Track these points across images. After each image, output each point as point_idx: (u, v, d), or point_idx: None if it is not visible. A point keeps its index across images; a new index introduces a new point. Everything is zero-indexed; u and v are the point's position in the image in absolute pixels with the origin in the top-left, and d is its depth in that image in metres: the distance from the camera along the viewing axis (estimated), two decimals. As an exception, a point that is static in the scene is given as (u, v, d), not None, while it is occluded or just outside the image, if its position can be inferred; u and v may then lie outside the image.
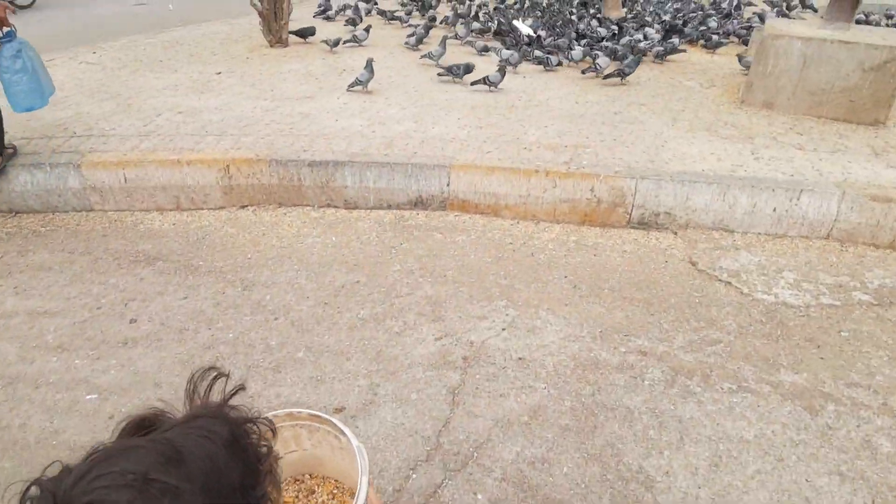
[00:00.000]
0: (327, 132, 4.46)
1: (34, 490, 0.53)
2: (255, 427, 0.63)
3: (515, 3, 9.60)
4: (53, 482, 0.52)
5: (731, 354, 2.75)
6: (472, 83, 5.55)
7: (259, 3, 6.64)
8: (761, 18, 7.98)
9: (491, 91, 5.52)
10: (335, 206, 4.10)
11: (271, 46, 6.99)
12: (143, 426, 0.61)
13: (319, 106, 5.05)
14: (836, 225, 3.72)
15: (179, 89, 5.49)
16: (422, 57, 6.45)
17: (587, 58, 6.39)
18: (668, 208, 3.85)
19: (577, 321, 2.96)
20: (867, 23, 8.20)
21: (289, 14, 6.91)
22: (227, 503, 0.56)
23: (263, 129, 4.50)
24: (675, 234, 3.88)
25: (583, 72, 6.08)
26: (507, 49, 6.46)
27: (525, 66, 6.37)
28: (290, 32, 7.12)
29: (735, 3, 9.22)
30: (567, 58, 6.38)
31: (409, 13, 8.97)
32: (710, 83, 5.96)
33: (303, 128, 4.54)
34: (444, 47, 6.36)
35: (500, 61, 5.94)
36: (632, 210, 3.89)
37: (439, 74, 5.86)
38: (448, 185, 3.98)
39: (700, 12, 8.81)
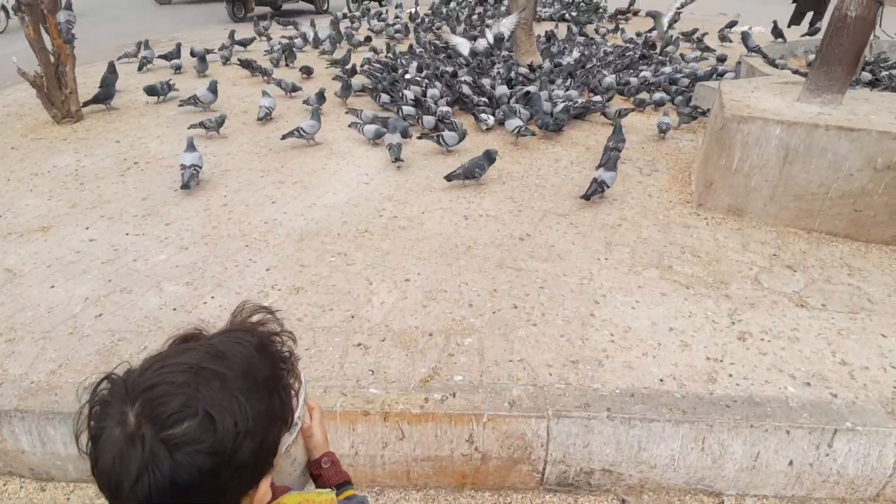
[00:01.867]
0: (33, 323, 2.51)
1: (105, 383, 0.67)
2: (279, 338, 0.78)
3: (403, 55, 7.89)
4: (123, 375, 0.67)
5: None
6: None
7: (28, 72, 4.60)
8: (693, 77, 6.57)
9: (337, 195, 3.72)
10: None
11: (58, 123, 4.96)
12: (187, 340, 0.74)
13: (45, 252, 3.09)
14: (890, 482, 2.12)
15: None
16: (284, 136, 4.57)
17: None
18: (609, 463, 2.14)
19: None
20: (873, 82, 6.02)
21: (75, 81, 4.90)
22: (259, 388, 0.69)
23: None
24: (623, 501, 2.17)
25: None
26: (385, 122, 4.70)
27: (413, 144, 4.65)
28: (85, 103, 5.13)
29: (667, 47, 7.94)
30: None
31: (276, 62, 7.14)
32: (650, 165, 4.42)
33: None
34: (319, 119, 4.58)
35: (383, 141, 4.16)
36: (545, 467, 2.15)
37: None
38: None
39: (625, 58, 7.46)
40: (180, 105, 5.29)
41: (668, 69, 6.79)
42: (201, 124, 4.63)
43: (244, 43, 8.30)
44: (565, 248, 3.22)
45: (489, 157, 3.97)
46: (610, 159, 3.89)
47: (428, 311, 2.64)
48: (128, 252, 3.10)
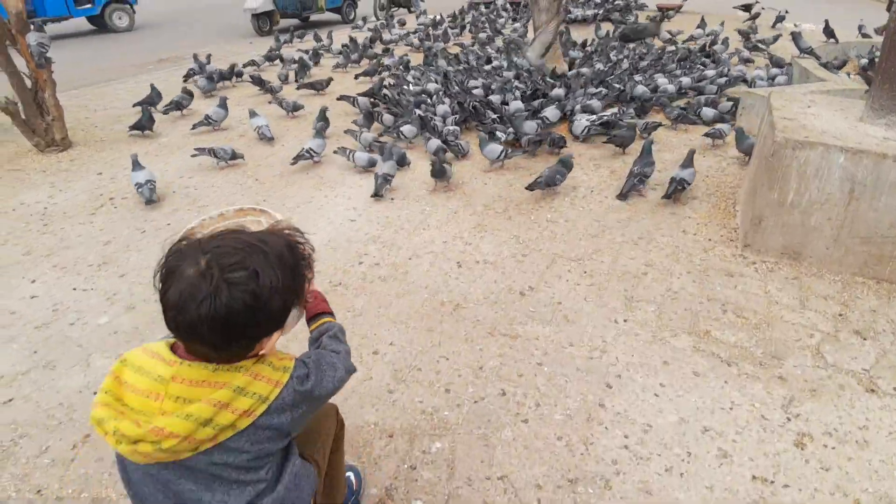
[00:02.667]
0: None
1: (184, 242, 0.96)
2: (301, 244, 1.05)
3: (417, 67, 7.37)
4: (197, 238, 0.96)
5: None
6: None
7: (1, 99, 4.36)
8: (746, 82, 5.83)
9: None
10: None
11: (41, 151, 4.72)
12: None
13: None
14: None
15: None
16: (294, 160, 4.11)
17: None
18: None
19: None
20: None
21: (57, 107, 4.64)
22: (287, 268, 0.97)
23: None
24: None
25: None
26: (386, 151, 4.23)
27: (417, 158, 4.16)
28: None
29: (708, 50, 7.16)
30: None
31: (284, 77, 6.79)
32: (686, 191, 3.78)
33: None
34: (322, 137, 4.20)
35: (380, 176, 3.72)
36: None
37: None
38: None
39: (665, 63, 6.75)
40: (193, 129, 5.03)
41: (710, 72, 6.05)
42: (211, 152, 4.25)
43: (272, 58, 7.95)
44: (575, 305, 2.66)
45: (566, 164, 3.74)
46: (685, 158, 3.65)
47: (394, 398, 2.13)
48: (68, 313, 2.72)
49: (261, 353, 1.01)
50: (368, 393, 2.15)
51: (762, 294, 2.71)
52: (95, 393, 2.22)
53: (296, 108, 5.58)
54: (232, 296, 0.89)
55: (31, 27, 4.42)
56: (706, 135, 4.52)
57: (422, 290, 2.80)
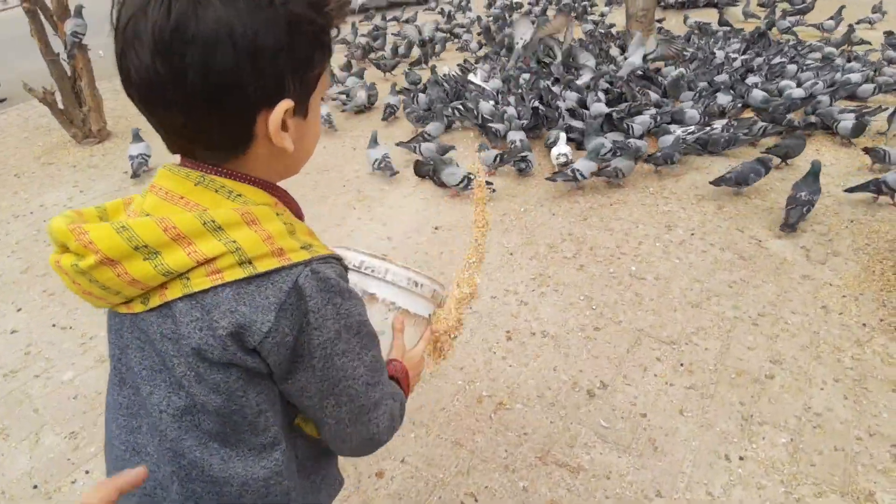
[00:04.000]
0: None
1: None
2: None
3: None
4: None
5: None
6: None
7: (35, 88, 4.06)
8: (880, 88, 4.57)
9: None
10: None
11: (79, 143, 4.44)
12: None
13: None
14: None
15: None
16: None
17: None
18: None
19: None
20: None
21: (95, 97, 4.31)
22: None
23: None
24: None
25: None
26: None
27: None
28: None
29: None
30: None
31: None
32: (824, 244, 2.83)
33: None
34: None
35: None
36: None
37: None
38: None
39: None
40: None
41: (855, 76, 4.80)
42: None
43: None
44: (667, 421, 1.89)
45: (765, 164, 3.25)
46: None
47: (391, 568, 1.49)
48: (37, 360, 2.28)
49: (268, 141, 0.64)
50: (358, 550, 1.53)
51: (957, 431, 1.82)
52: (36, 487, 1.76)
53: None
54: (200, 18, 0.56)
55: (71, 12, 4.10)
56: (866, 150, 3.49)
57: (455, 372, 2.12)
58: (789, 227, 2.90)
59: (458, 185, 3.35)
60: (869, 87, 4.55)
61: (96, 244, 0.59)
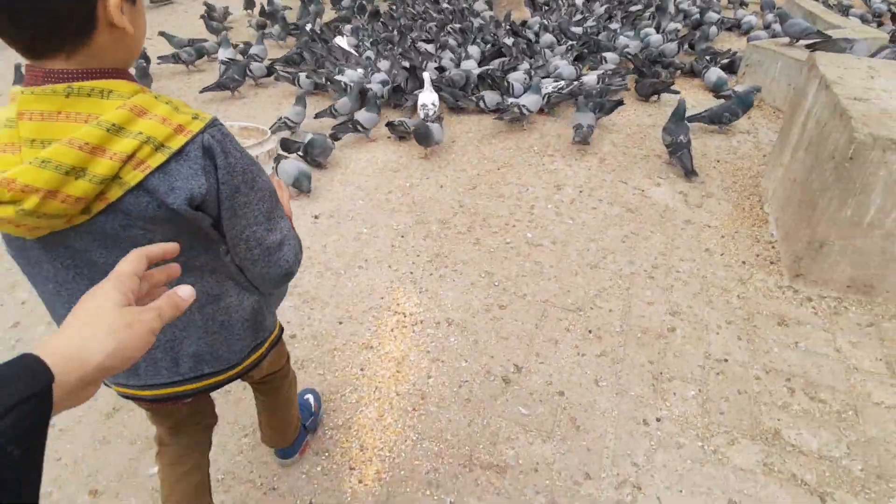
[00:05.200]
0: None
1: None
2: None
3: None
4: None
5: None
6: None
7: None
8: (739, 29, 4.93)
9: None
10: None
11: None
12: None
13: None
14: None
15: None
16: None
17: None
18: None
19: None
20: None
21: None
22: None
23: None
24: None
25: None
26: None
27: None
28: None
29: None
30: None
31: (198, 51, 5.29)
32: (698, 186, 2.95)
33: None
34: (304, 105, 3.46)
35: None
36: None
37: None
38: None
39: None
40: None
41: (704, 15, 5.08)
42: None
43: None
44: (584, 396, 1.83)
45: (745, 102, 3.31)
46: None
47: None
48: None
49: (112, 27, 0.71)
50: None
51: (834, 354, 1.96)
52: None
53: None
54: None
55: None
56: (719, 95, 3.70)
57: (361, 378, 1.90)
58: (693, 173, 2.98)
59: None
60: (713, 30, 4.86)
61: (33, 185, 0.66)
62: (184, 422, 1.21)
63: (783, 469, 1.60)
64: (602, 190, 2.94)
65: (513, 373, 1.91)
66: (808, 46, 3.54)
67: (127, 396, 1.02)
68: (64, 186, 0.67)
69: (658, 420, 1.75)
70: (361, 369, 1.93)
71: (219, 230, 0.84)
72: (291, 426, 1.52)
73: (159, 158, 0.72)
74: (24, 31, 0.66)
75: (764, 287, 2.27)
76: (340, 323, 2.13)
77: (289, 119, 3.41)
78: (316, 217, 2.77)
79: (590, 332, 2.07)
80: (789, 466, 1.61)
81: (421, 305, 2.20)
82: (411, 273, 2.38)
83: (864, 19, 4.97)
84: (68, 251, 0.79)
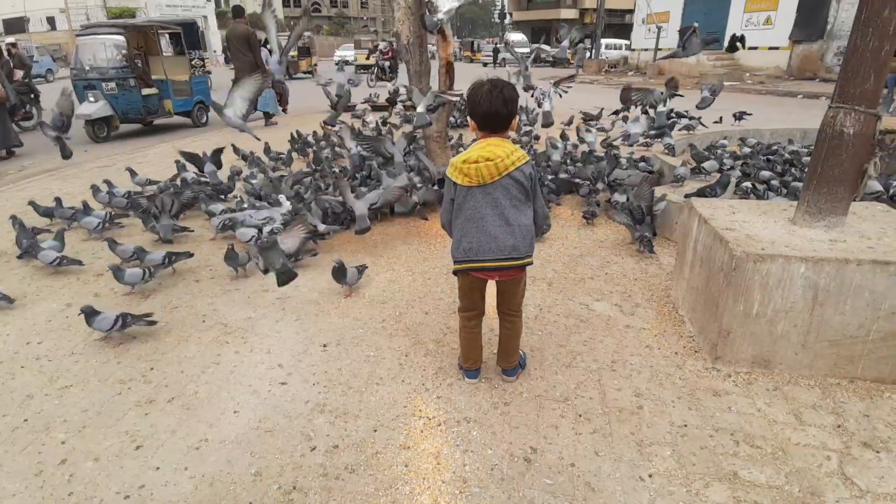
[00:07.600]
0: None
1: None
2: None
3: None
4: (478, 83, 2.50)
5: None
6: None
7: None
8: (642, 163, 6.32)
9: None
10: None
11: None
12: None
13: None
14: None
15: None
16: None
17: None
18: None
19: None
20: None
21: None
22: (515, 94, 2.45)
23: None
24: None
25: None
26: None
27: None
28: None
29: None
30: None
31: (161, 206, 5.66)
32: (626, 298, 3.73)
33: None
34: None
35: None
36: None
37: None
38: None
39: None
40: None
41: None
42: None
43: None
44: (590, 465, 2.28)
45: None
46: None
47: None
48: None
49: (511, 130, 2.43)
50: None
51: (757, 413, 2.60)
52: None
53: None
54: (507, 91, 2.34)
55: None
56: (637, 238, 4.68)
57: (409, 474, 2.21)
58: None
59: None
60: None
61: (499, 154, 2.34)
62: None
63: (747, 499, 2.12)
64: (556, 308, 3.62)
65: (531, 453, 2.33)
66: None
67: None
68: (506, 158, 2.32)
69: (650, 476, 2.23)
70: (406, 465, 2.25)
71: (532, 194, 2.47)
72: (516, 354, 2.79)
73: (524, 160, 2.37)
74: (499, 125, 2.40)
75: (695, 369, 2.94)
76: (375, 431, 2.45)
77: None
78: (324, 346, 3.14)
79: (580, 415, 2.57)
80: (751, 496, 2.13)
81: (440, 409, 2.60)
82: (423, 384, 2.79)
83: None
84: (491, 196, 2.38)
